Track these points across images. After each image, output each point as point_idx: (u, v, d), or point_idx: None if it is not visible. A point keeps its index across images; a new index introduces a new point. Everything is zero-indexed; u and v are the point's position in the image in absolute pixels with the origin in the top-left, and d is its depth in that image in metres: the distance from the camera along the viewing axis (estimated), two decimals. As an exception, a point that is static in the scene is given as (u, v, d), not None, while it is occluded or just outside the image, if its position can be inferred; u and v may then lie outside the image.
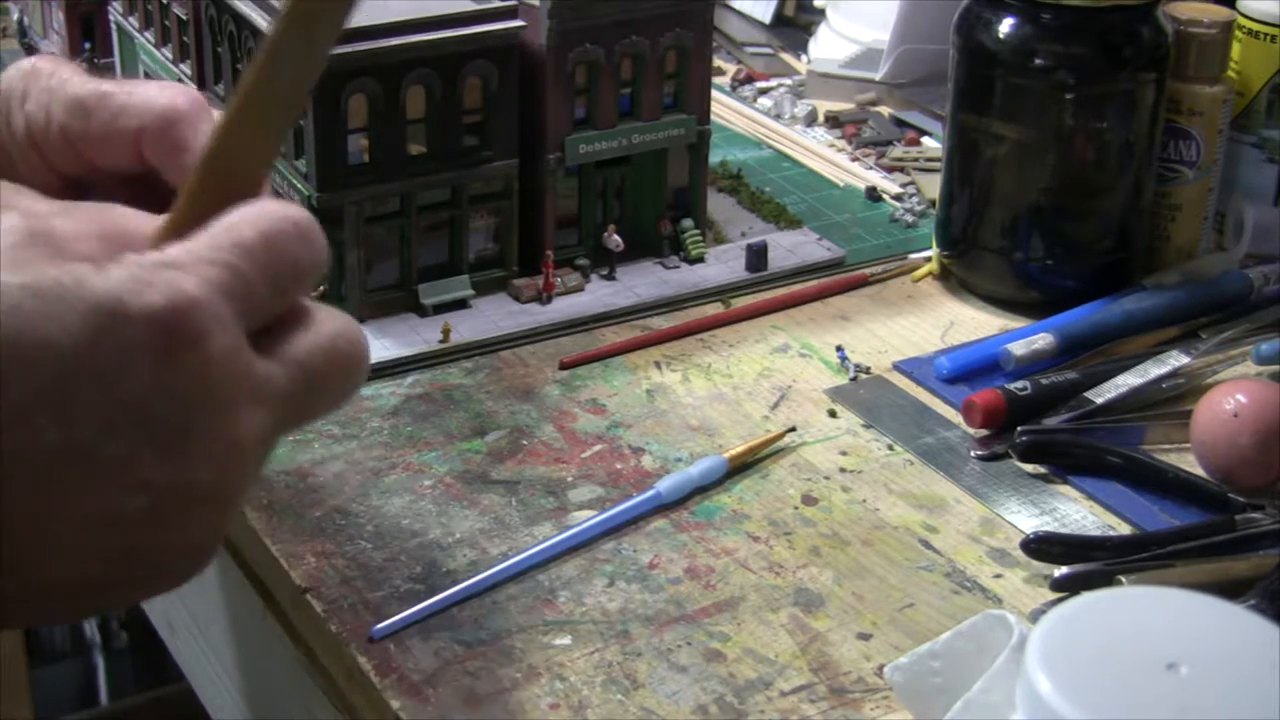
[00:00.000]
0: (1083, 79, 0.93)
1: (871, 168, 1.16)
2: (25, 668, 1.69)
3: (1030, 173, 0.95)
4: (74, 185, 0.63)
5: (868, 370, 0.92)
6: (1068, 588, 0.73)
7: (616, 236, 0.98)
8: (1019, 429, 0.83)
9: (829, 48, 1.28)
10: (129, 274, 0.49)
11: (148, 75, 1.12)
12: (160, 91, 0.61)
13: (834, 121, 1.22)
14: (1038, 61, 0.93)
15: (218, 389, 0.50)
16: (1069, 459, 0.83)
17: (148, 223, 0.53)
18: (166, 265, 0.50)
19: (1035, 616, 0.72)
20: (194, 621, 0.94)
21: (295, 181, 0.91)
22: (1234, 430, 0.80)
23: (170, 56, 1.07)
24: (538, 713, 0.67)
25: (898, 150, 1.17)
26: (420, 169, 0.93)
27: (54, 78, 0.62)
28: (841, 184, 1.13)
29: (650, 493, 0.79)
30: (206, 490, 0.51)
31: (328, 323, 0.54)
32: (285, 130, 0.52)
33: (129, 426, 0.49)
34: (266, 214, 0.52)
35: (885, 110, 1.24)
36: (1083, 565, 0.74)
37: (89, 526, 0.50)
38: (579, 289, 0.97)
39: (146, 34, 1.10)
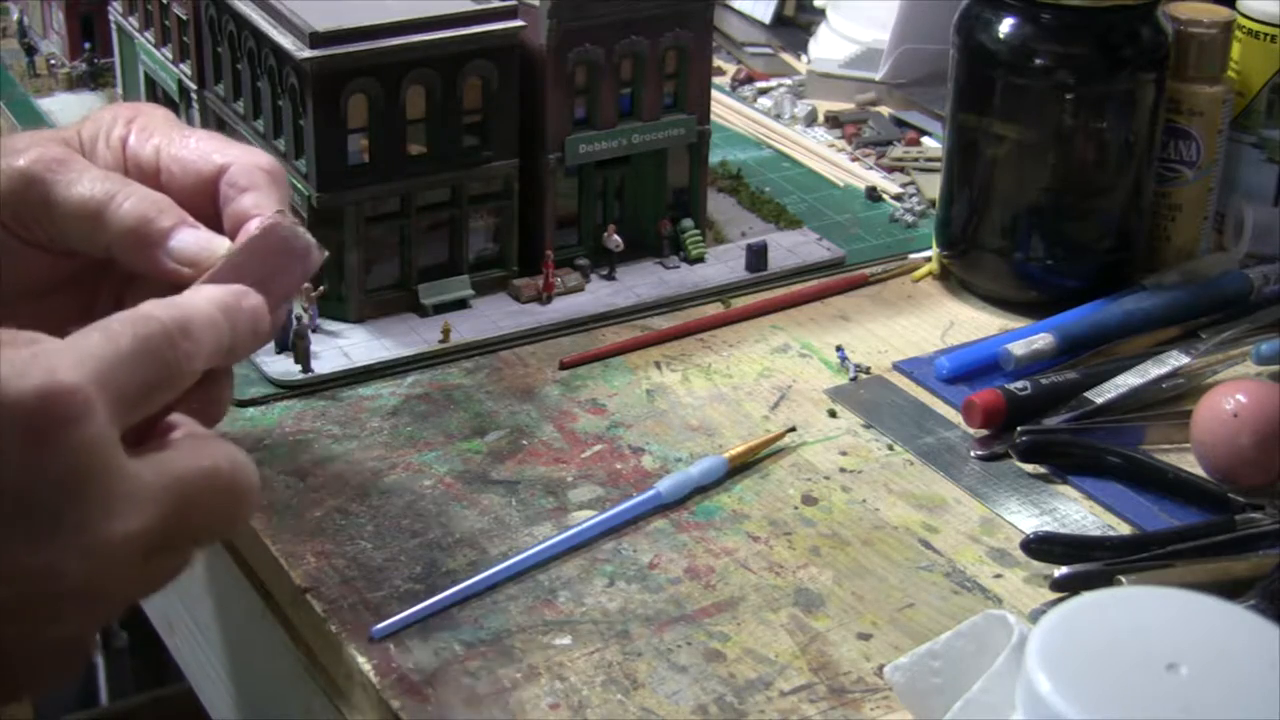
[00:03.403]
0: (1083, 79, 0.93)
1: (871, 168, 1.16)
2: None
3: (1030, 173, 0.95)
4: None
5: (868, 370, 0.92)
6: (1068, 588, 0.73)
7: (616, 236, 0.98)
8: (1019, 429, 0.83)
9: (829, 48, 1.28)
10: (4, 360, 0.51)
11: (148, 75, 1.12)
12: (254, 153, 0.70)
13: (834, 121, 1.22)
14: (1038, 61, 0.93)
15: (88, 477, 0.52)
16: (1069, 459, 0.83)
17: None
18: (43, 354, 0.52)
19: (1035, 616, 0.72)
20: (194, 621, 0.94)
21: (295, 182, 0.91)
22: (1234, 430, 0.80)
23: (170, 56, 1.07)
24: (538, 713, 0.67)
25: (898, 150, 1.17)
26: (420, 169, 0.93)
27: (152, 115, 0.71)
28: (841, 184, 1.13)
29: (650, 493, 0.79)
30: (75, 583, 0.52)
31: (209, 449, 0.57)
32: None
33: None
34: (142, 317, 0.55)
35: (885, 110, 1.24)
36: (1083, 565, 0.74)
37: None
38: (579, 289, 0.97)
39: (146, 34, 1.10)
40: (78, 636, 0.55)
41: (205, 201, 0.68)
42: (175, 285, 0.66)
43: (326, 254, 0.67)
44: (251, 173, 0.67)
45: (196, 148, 0.69)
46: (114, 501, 0.52)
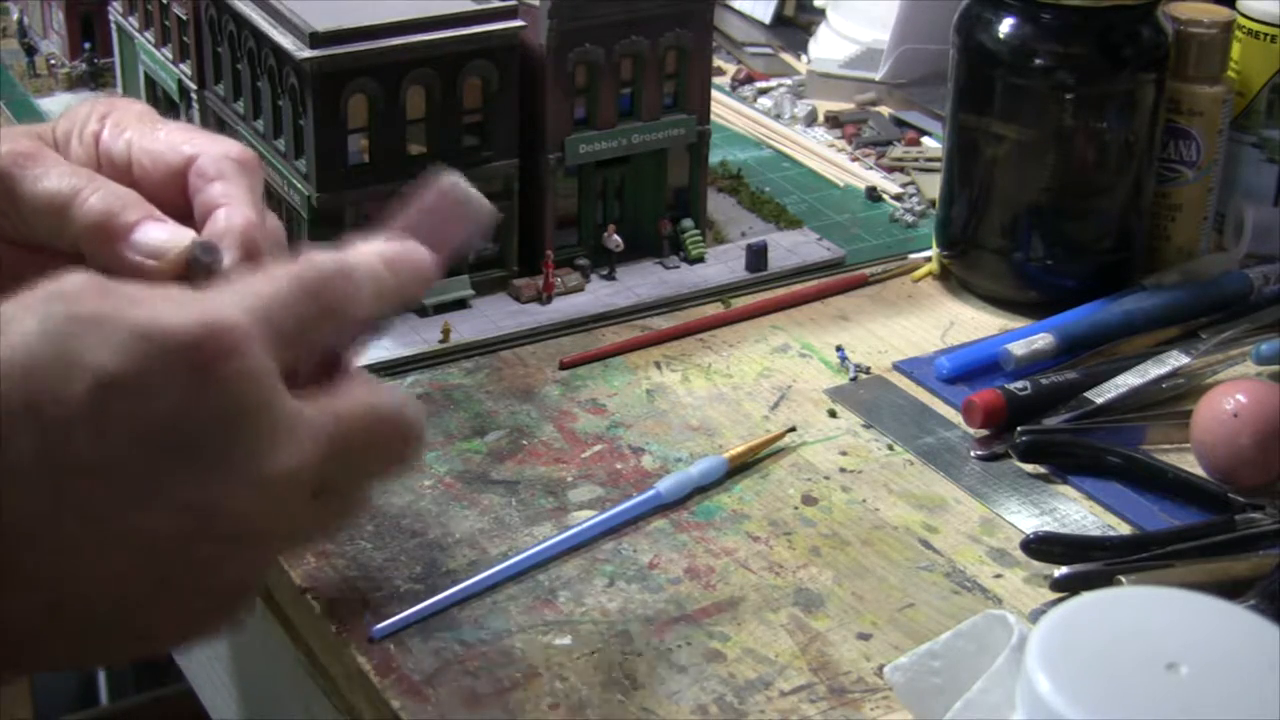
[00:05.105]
0: (1083, 79, 0.93)
1: (871, 168, 1.16)
2: (25, 668, 1.69)
3: (1030, 173, 0.95)
4: None
5: (868, 370, 0.92)
6: (1068, 588, 0.73)
7: (616, 236, 0.98)
8: (1019, 429, 0.83)
9: (829, 48, 1.28)
10: (169, 301, 0.52)
11: (148, 75, 1.12)
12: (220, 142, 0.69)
13: (834, 121, 1.22)
14: (1038, 61, 0.93)
15: (250, 411, 0.52)
16: (1069, 459, 0.83)
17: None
18: (202, 294, 0.54)
19: (1035, 616, 0.72)
20: (194, 621, 0.94)
21: (295, 181, 0.91)
22: (1234, 430, 0.80)
23: (170, 56, 1.07)
24: (538, 713, 0.67)
25: (898, 150, 1.17)
26: (420, 169, 0.92)
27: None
28: (841, 184, 1.13)
29: (650, 493, 0.79)
30: (238, 521, 0.53)
31: (372, 389, 0.58)
32: None
33: (163, 443, 0.51)
34: (301, 261, 0.57)
35: (885, 110, 1.24)
36: (1083, 565, 0.74)
37: (117, 545, 0.51)
38: (579, 289, 0.97)
39: (146, 34, 1.10)
40: (244, 580, 0.55)
41: (177, 193, 0.67)
42: (144, 279, 0.66)
43: (500, 214, 0.67)
44: (219, 162, 0.67)
45: (166, 139, 0.68)
46: (277, 436, 0.53)
